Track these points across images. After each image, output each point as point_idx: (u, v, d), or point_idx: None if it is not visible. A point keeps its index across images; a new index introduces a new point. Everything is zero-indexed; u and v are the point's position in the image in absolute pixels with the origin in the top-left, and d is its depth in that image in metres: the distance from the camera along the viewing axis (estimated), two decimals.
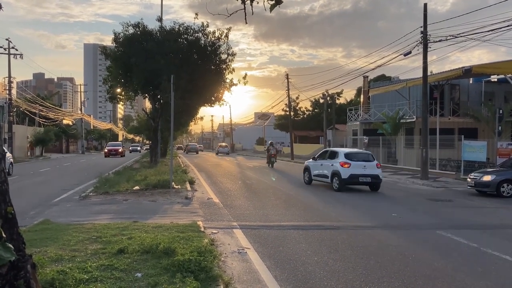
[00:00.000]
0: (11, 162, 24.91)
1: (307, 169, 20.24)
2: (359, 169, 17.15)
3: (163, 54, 22.24)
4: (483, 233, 9.68)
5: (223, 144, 70.17)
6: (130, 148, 79.63)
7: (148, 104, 36.15)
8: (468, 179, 17.36)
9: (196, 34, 23.95)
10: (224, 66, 24.40)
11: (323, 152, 20.02)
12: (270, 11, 3.34)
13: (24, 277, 2.53)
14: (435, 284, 6.04)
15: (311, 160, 20.62)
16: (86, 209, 11.70)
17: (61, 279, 5.06)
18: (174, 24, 24.50)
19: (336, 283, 5.96)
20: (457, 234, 9.31)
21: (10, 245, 2.37)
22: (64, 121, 68.82)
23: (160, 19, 25.05)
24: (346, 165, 17.19)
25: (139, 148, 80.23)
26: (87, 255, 6.47)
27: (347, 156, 17.72)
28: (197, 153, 68.02)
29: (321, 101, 51.32)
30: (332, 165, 17.84)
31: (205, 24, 24.02)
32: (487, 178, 16.35)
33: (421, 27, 22.10)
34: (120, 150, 52.21)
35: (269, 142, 35.13)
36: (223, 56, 24.26)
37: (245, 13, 3.33)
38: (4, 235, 2.38)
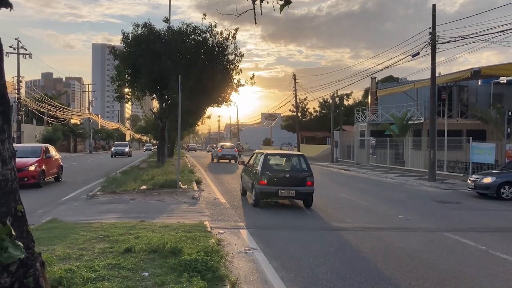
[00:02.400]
0: None
1: (212, 155, 44.77)
2: (225, 152, 40.26)
3: (170, 55, 22.32)
4: (491, 235, 9.61)
5: (214, 145, 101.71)
6: (113, 150, 52.87)
7: (155, 104, 36.26)
8: (469, 181, 17.24)
9: (204, 35, 24.01)
10: (231, 67, 24.44)
11: (220, 146, 42.79)
12: (280, 11, 3.34)
13: (33, 275, 2.54)
14: (442, 287, 6.00)
15: (213, 150, 46.78)
16: (94, 208, 11.75)
17: (69, 277, 5.09)
18: (182, 24, 24.59)
19: (343, 285, 5.94)
20: (465, 236, 9.25)
21: (20, 243, 2.39)
22: (72, 121, 69.27)
23: (167, 20, 25.13)
24: (220, 150, 40.56)
25: (127, 150, 52.74)
26: (95, 254, 6.50)
27: (221, 147, 41.77)
28: (196, 151, 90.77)
29: (330, 101, 51.18)
30: (216, 150, 41.57)
31: (212, 24, 24.09)
32: (487, 180, 16.21)
33: (430, 28, 21.94)
34: (31, 168, 16.85)
35: (238, 143, 52.42)
36: (231, 57, 24.31)
37: (255, 13, 3.33)
38: (14, 233, 2.40)
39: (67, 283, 4.94)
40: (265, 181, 12.27)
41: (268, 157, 13.21)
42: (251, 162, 14.41)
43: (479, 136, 26.13)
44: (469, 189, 17.15)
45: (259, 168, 12.57)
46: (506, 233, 10.11)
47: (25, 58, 44.40)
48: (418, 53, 22.76)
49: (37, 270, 2.64)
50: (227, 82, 24.81)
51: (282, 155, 15.22)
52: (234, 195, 15.81)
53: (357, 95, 64.63)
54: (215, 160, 40.80)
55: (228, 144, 46.36)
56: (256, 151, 15.38)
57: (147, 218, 9.93)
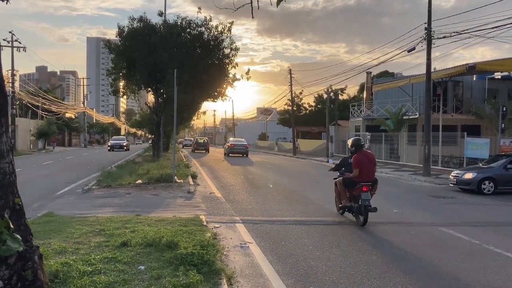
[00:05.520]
0: None
1: (181, 144, 72.17)
2: (186, 142, 75.63)
3: (166, 49, 22.23)
4: (485, 230, 9.69)
5: (188, 138, 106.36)
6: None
7: (151, 98, 36.08)
8: (451, 177, 17.37)
9: (199, 29, 23.91)
10: (227, 61, 24.37)
11: (184, 138, 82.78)
12: (277, 5, 3.34)
13: (31, 268, 2.56)
14: (436, 280, 6.06)
15: (183, 142, 79.63)
16: (89, 202, 11.75)
17: (65, 271, 5.10)
18: (177, 18, 24.48)
19: (337, 278, 5.99)
20: (459, 230, 9.32)
21: (18, 236, 2.40)
22: (67, 115, 68.97)
23: (162, 14, 24.97)
24: (183, 141, 79.57)
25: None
26: (91, 247, 6.51)
27: (184, 139, 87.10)
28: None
29: (325, 96, 51.15)
30: (182, 141, 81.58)
31: (208, 18, 23.99)
32: (468, 176, 16.34)
33: (425, 23, 21.97)
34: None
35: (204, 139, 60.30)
36: (226, 51, 24.23)
37: (252, 7, 3.33)
38: (12, 226, 2.41)
39: (64, 276, 4.96)
40: None
41: None
42: None
43: (474, 131, 26.26)
44: (451, 184, 17.29)
45: None
46: (499, 227, 10.19)
47: (19, 51, 44.10)
48: (414, 48, 22.78)
49: (35, 263, 2.65)
50: (222, 76, 24.75)
51: None
52: (230, 189, 15.84)
53: (352, 90, 64.70)
54: (183, 147, 66.10)
55: (188, 138, 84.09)
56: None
57: (143, 212, 9.94)
